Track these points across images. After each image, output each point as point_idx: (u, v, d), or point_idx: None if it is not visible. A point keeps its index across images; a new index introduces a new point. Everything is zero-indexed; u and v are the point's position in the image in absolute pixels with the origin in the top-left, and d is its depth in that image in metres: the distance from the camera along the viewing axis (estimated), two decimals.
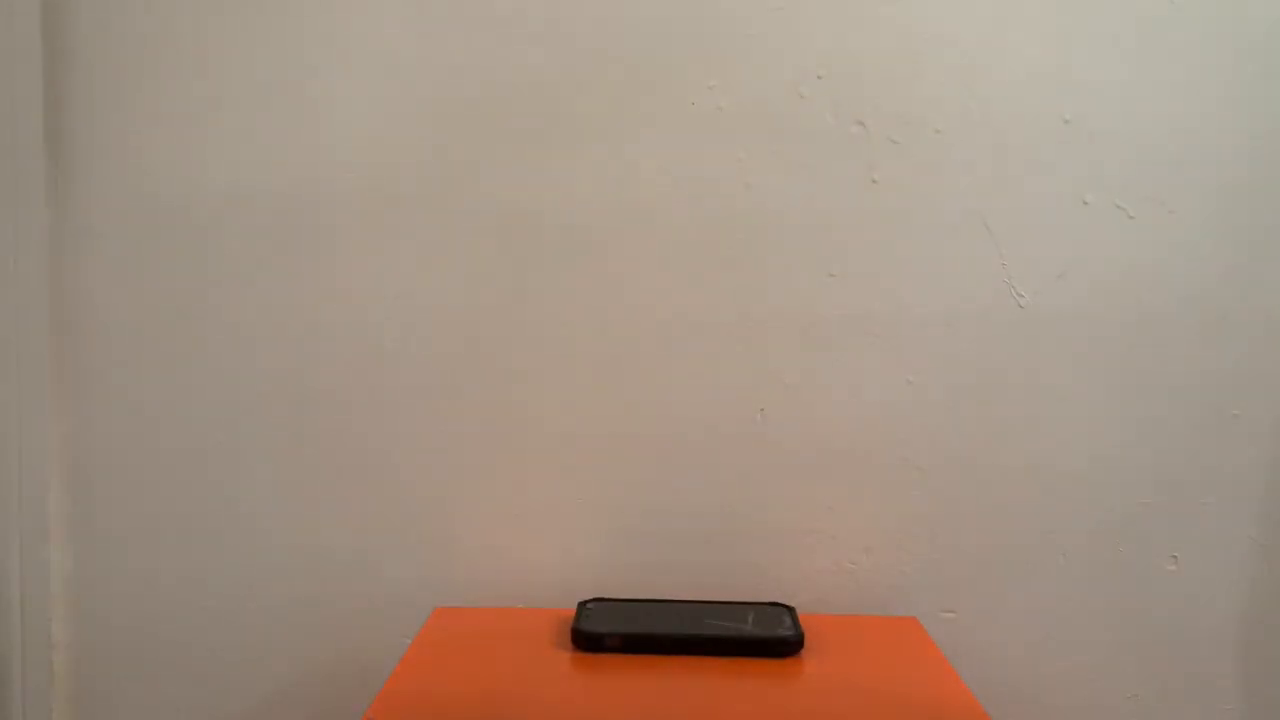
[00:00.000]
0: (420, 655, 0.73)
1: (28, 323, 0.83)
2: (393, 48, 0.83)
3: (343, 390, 0.85)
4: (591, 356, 0.84)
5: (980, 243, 0.83)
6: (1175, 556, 0.85)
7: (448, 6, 0.83)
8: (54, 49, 0.83)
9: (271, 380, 0.85)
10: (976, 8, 0.82)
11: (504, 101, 0.83)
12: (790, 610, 0.79)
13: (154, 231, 0.84)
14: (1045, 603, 0.85)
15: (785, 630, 0.74)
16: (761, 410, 0.84)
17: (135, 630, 0.86)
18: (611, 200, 0.83)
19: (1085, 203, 0.83)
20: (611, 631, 0.74)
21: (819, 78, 0.82)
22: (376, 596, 0.86)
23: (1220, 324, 0.83)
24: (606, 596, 0.84)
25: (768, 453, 0.85)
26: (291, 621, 0.86)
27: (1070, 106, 0.82)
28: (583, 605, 0.79)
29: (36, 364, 0.83)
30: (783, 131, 0.83)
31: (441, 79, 0.83)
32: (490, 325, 0.84)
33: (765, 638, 0.73)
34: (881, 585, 0.85)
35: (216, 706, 0.87)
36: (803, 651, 0.74)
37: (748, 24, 0.82)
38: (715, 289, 0.84)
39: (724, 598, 0.85)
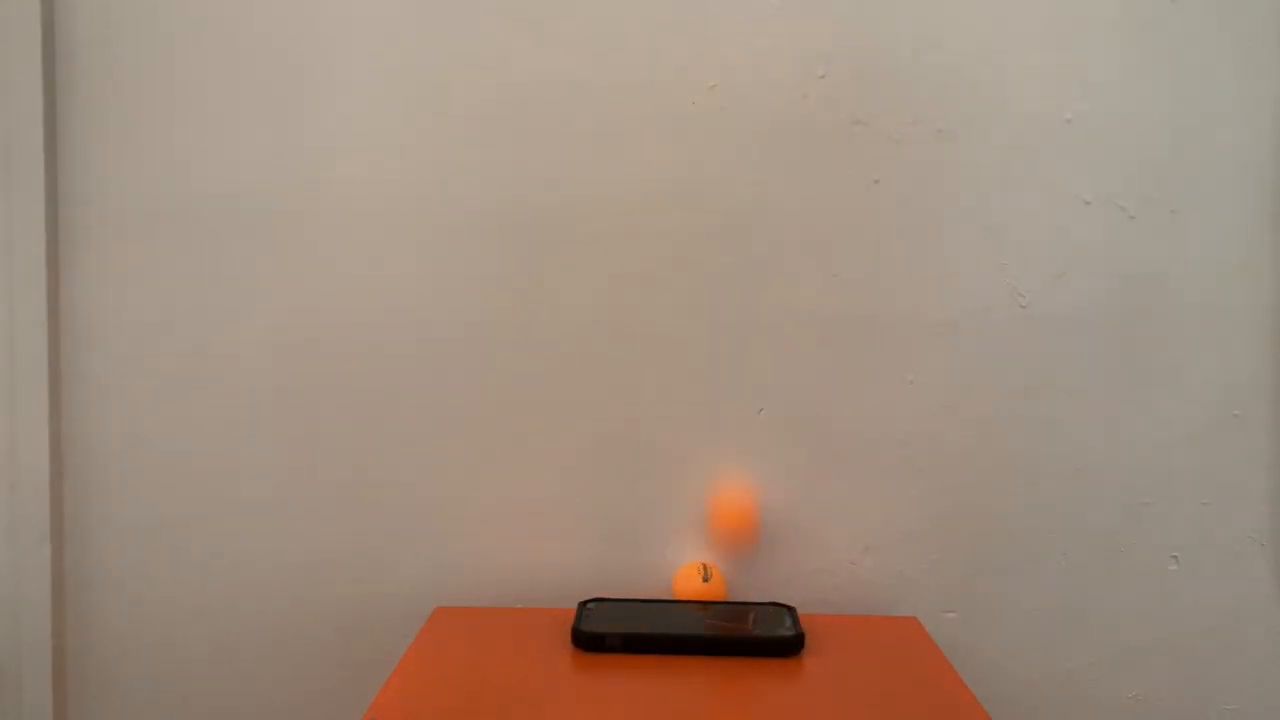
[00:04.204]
0: (420, 655, 0.73)
1: (27, 323, 0.83)
2: (393, 48, 0.83)
3: (342, 390, 0.85)
4: (591, 356, 0.84)
5: (980, 243, 0.83)
6: (1175, 556, 0.85)
7: (447, 6, 0.83)
8: (54, 49, 0.83)
9: (270, 380, 0.85)
10: (978, 8, 0.82)
11: (503, 101, 0.83)
12: (790, 610, 0.79)
13: (153, 231, 0.84)
14: (1045, 603, 0.85)
15: (785, 630, 0.74)
16: (761, 410, 0.84)
17: (135, 630, 0.86)
18: (613, 200, 0.83)
19: (1085, 203, 0.83)
20: (612, 631, 0.74)
21: (820, 77, 0.82)
22: (376, 596, 0.86)
23: (1220, 324, 0.83)
24: (606, 596, 0.84)
25: (767, 453, 0.85)
26: (292, 621, 0.86)
27: (1070, 106, 0.82)
28: (583, 605, 0.79)
29: (36, 364, 0.83)
30: (784, 131, 0.83)
31: (441, 79, 0.83)
32: (491, 325, 0.84)
33: (765, 638, 0.73)
34: (881, 585, 0.85)
35: (216, 707, 0.87)
36: (803, 651, 0.74)
37: (748, 24, 0.82)
38: (716, 289, 0.84)
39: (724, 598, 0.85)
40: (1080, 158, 0.83)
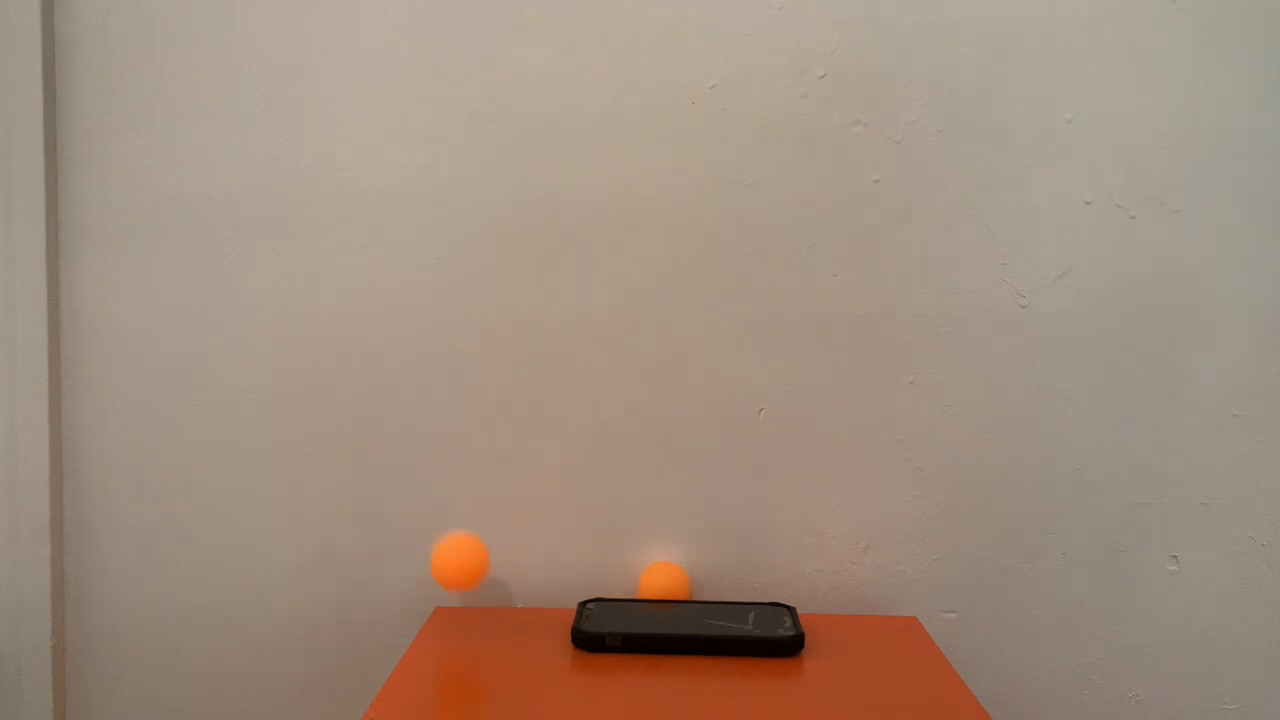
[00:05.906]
0: (420, 655, 0.73)
1: (28, 323, 0.83)
2: (394, 48, 0.83)
3: (342, 389, 0.85)
4: (591, 356, 0.84)
5: (980, 243, 0.83)
6: (1175, 556, 0.85)
7: (449, 7, 0.83)
8: (54, 49, 0.83)
9: (271, 381, 0.85)
10: (978, 8, 0.82)
11: (505, 101, 0.83)
12: (790, 610, 0.79)
13: (154, 232, 0.84)
14: (1045, 603, 0.85)
15: (785, 630, 0.74)
16: (761, 410, 0.84)
17: (135, 630, 0.86)
18: (613, 200, 0.83)
19: (1085, 203, 0.83)
20: (612, 631, 0.74)
21: (820, 77, 0.82)
22: (376, 596, 0.86)
23: (1220, 324, 0.83)
24: (606, 596, 0.84)
25: (767, 453, 0.85)
26: (291, 621, 0.86)
27: (1070, 106, 0.82)
28: (583, 605, 0.79)
29: (36, 364, 0.83)
30: (784, 131, 0.83)
31: (441, 79, 0.83)
32: (491, 326, 0.84)
33: (765, 638, 0.73)
34: (881, 585, 0.85)
35: (216, 707, 0.87)
36: (803, 651, 0.74)
37: (749, 24, 0.82)
38: (717, 289, 0.84)
39: (724, 598, 0.85)
40: (1080, 158, 0.83)
